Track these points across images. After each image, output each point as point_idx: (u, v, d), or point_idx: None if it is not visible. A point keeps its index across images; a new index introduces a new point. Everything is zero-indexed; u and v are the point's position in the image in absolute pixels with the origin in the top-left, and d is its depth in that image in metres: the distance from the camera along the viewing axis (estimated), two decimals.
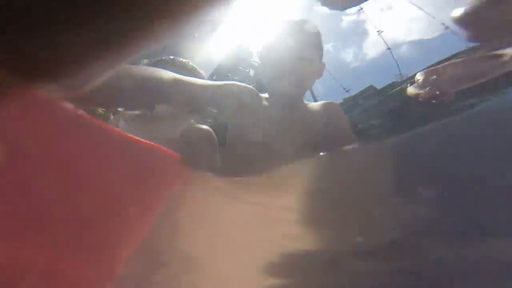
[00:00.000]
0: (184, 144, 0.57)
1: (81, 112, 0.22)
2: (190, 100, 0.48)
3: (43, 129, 0.21)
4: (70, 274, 0.23)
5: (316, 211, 0.31)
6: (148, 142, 0.27)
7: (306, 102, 0.60)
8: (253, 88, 0.55)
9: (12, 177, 0.20)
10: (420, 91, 0.54)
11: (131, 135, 0.26)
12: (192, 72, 0.64)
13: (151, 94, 0.42)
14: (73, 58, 0.10)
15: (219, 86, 0.50)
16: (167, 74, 0.43)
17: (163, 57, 0.64)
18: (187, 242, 0.29)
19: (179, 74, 0.59)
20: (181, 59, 0.65)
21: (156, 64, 0.61)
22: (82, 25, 0.09)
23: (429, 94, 0.51)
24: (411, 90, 0.59)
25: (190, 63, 0.66)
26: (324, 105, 0.58)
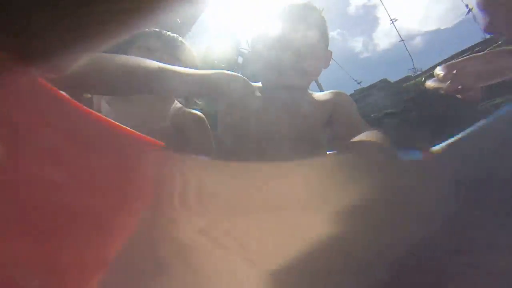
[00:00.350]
0: (177, 130, 0.55)
1: (64, 95, 0.22)
2: (175, 90, 0.46)
3: (24, 111, 0.21)
4: (61, 266, 0.23)
5: (321, 202, 0.30)
6: (133, 131, 0.25)
7: (311, 92, 0.55)
8: (243, 77, 0.51)
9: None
10: (441, 85, 0.52)
11: (117, 123, 0.25)
12: (180, 48, 0.60)
13: (135, 83, 0.40)
14: (53, 38, 0.10)
15: (206, 75, 0.47)
16: (152, 64, 0.41)
17: (147, 30, 0.59)
18: (182, 231, 0.28)
19: (166, 48, 0.58)
20: (168, 33, 0.60)
21: (138, 36, 0.57)
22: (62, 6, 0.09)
23: (451, 88, 0.49)
24: (430, 84, 0.57)
25: (180, 39, 0.61)
26: (331, 94, 0.54)
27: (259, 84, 0.53)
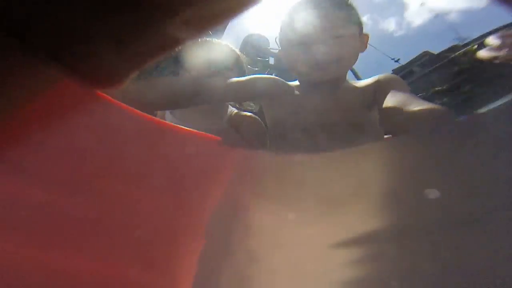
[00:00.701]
0: (234, 130, 0.59)
1: (124, 105, 0.23)
2: (221, 99, 0.52)
3: (95, 125, 0.22)
4: (134, 273, 0.23)
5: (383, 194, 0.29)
6: (200, 132, 0.27)
7: (350, 81, 0.53)
8: (277, 78, 0.51)
9: (69, 173, 0.21)
10: (497, 54, 0.48)
11: (182, 127, 0.26)
12: (230, 56, 0.62)
13: (186, 99, 0.44)
14: (109, 50, 0.10)
15: (242, 83, 0.48)
16: (198, 81, 0.45)
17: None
18: (256, 225, 0.29)
19: (217, 59, 0.61)
20: (218, 41, 0.64)
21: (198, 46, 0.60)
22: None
23: (510, 57, 0.45)
24: (483, 53, 0.53)
25: (230, 47, 0.65)
26: (373, 78, 0.51)
27: (296, 83, 0.53)
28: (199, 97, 0.44)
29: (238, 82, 0.48)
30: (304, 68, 0.49)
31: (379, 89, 0.48)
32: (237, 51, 0.66)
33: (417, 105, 0.38)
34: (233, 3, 0.10)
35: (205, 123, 0.59)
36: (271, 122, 0.52)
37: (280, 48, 0.54)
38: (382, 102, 0.46)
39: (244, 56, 0.68)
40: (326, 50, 0.46)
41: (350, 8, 0.49)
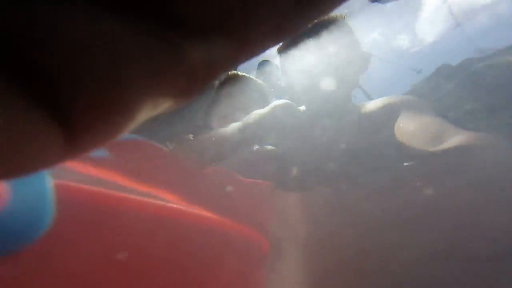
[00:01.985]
0: (257, 164, 0.59)
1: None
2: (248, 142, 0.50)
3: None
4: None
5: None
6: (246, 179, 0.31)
7: (359, 103, 0.54)
8: (290, 104, 0.50)
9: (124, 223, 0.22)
10: None
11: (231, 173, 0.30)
12: (251, 86, 0.64)
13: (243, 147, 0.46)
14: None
15: (262, 116, 0.47)
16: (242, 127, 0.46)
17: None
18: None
19: (239, 92, 0.62)
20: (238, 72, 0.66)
21: (223, 81, 0.63)
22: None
23: None
24: None
25: (248, 76, 0.66)
26: (385, 104, 0.49)
27: (303, 108, 0.54)
28: (246, 142, 0.46)
29: (259, 115, 0.48)
30: (309, 97, 0.50)
31: (390, 112, 0.47)
32: (261, 82, 0.67)
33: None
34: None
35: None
36: (285, 151, 0.55)
37: (282, 80, 0.56)
38: (393, 126, 0.45)
39: (265, 85, 0.69)
40: (327, 75, 0.47)
41: (343, 31, 0.50)
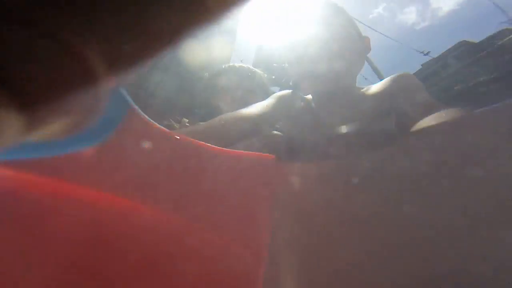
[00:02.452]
0: (266, 150, 0.53)
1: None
2: (254, 132, 0.49)
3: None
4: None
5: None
6: (243, 151, 0.26)
7: (362, 87, 0.54)
8: (294, 93, 0.53)
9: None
10: None
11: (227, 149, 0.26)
12: (252, 79, 0.65)
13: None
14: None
15: (268, 107, 0.49)
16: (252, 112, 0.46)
17: (223, 67, 0.67)
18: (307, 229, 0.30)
19: (240, 84, 0.63)
20: (240, 65, 0.67)
21: (216, 74, 0.66)
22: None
23: None
24: None
25: (251, 69, 0.68)
26: (388, 81, 0.51)
27: (309, 96, 0.55)
28: (253, 133, 0.46)
29: (262, 107, 0.49)
30: (308, 83, 0.51)
31: (396, 93, 0.48)
32: (259, 71, 0.69)
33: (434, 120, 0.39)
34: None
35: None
36: (292, 138, 0.53)
37: (288, 65, 0.56)
38: (401, 107, 0.47)
39: (263, 73, 0.70)
40: (333, 59, 0.48)
41: (345, 15, 0.52)
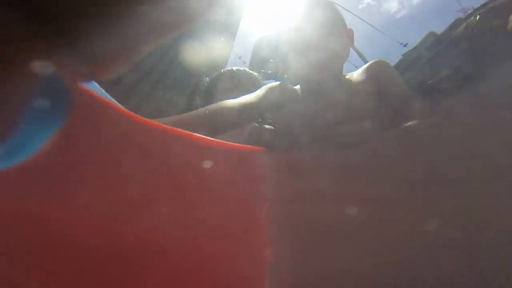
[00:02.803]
0: (256, 143, 0.55)
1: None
2: (238, 123, 0.50)
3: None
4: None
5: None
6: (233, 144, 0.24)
7: (346, 74, 0.55)
8: (283, 83, 0.55)
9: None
10: None
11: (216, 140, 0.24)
12: (248, 80, 0.69)
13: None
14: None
15: (254, 98, 0.51)
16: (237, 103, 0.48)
17: (222, 71, 0.71)
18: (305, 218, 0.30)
19: (239, 86, 0.67)
20: (238, 68, 0.71)
21: (216, 78, 0.70)
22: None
23: None
24: None
25: (246, 70, 0.71)
26: (367, 69, 0.53)
27: (298, 87, 0.56)
28: (223, 124, 0.45)
29: (252, 98, 0.50)
30: (305, 71, 0.52)
31: (381, 76, 0.51)
32: (254, 74, 0.73)
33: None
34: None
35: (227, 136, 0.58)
36: (280, 127, 0.54)
37: (277, 58, 0.57)
38: (388, 89, 0.49)
39: (259, 75, 0.74)
40: (321, 50, 0.50)
41: (332, 8, 0.54)
